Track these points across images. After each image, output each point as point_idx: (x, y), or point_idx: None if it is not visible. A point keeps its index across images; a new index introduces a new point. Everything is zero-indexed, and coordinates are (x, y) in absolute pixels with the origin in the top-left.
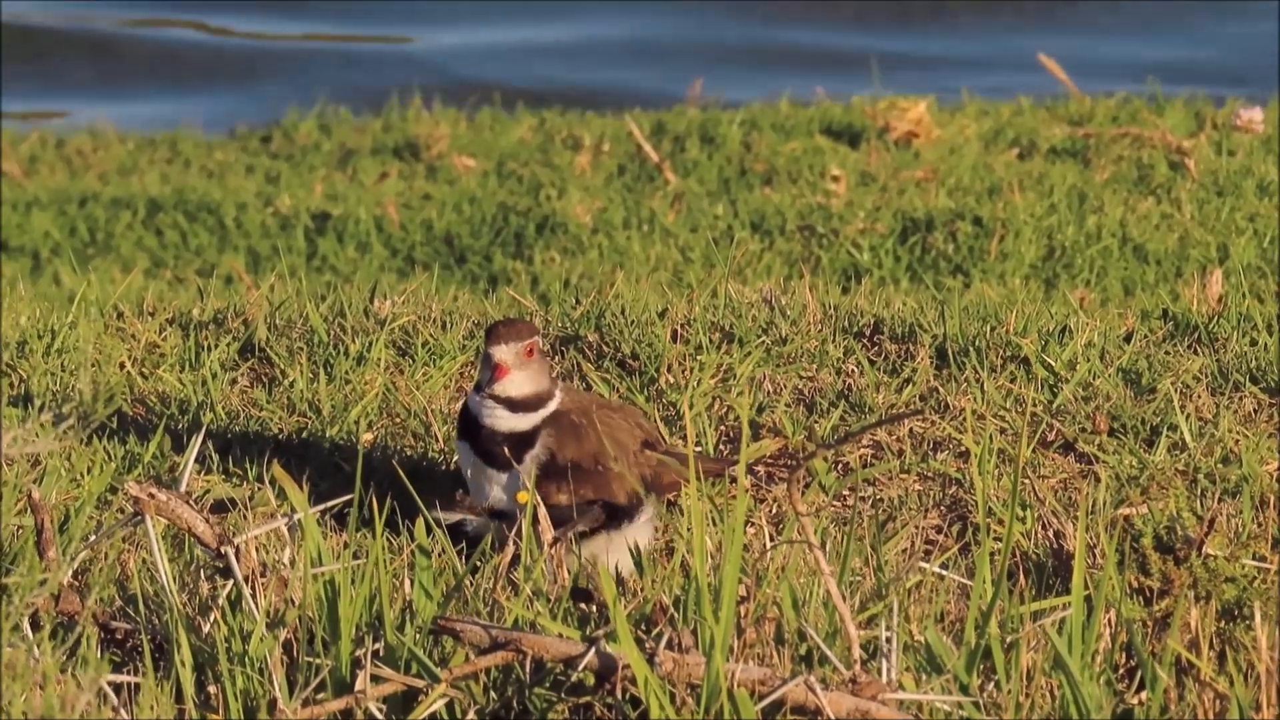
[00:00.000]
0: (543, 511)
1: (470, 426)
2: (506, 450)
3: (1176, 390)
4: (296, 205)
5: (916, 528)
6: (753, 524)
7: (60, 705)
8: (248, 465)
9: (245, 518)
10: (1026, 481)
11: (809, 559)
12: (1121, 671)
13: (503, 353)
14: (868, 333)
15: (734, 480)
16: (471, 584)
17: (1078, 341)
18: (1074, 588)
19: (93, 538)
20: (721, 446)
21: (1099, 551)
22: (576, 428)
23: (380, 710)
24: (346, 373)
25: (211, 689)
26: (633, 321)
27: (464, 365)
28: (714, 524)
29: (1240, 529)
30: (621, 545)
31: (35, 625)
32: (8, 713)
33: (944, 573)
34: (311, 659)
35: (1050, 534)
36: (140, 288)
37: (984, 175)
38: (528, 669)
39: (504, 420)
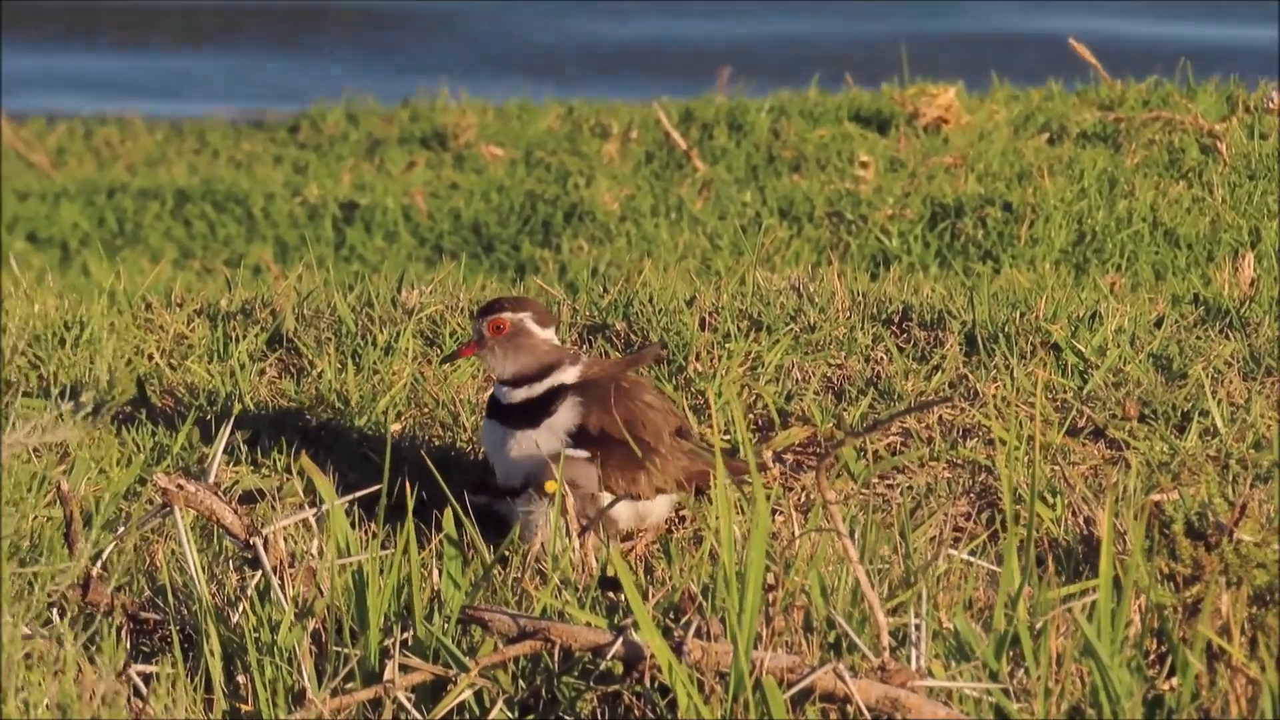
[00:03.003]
0: (570, 501)
1: (494, 406)
2: (525, 416)
3: (1208, 375)
4: (324, 195)
5: (945, 515)
6: (781, 512)
7: (80, 694)
8: (276, 456)
9: (273, 508)
10: (1056, 468)
11: (837, 547)
12: (1152, 658)
13: (473, 328)
14: (896, 319)
15: (762, 468)
16: (500, 573)
17: (1108, 327)
18: (1101, 573)
19: (121, 529)
20: (750, 434)
21: (1129, 538)
22: (606, 397)
23: (409, 699)
24: (374, 363)
25: (240, 679)
26: (661, 310)
27: None
28: (742, 512)
29: (1272, 514)
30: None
31: (64, 615)
32: (24, 701)
33: (972, 560)
34: (340, 649)
35: (1080, 520)
36: (168, 278)
37: (1013, 160)
38: (556, 658)
39: (516, 394)
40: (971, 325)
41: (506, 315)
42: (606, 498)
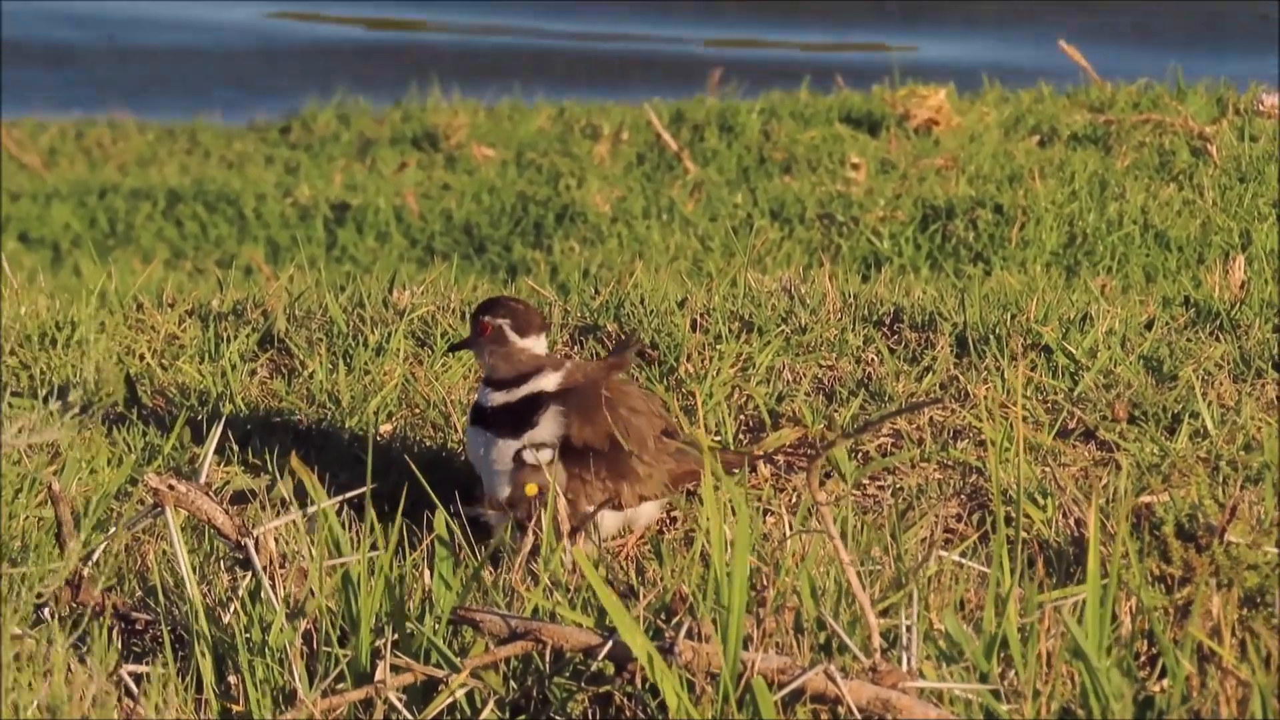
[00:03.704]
0: (562, 502)
1: (478, 411)
2: (507, 424)
3: (1198, 377)
4: (316, 196)
5: (936, 516)
6: (772, 513)
7: (69, 694)
8: (267, 456)
9: (264, 509)
10: (1047, 469)
11: (828, 548)
12: (1143, 659)
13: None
14: (888, 321)
15: (753, 469)
16: (490, 574)
17: (1099, 329)
18: (1089, 575)
19: (112, 529)
20: (741, 435)
21: (1119, 539)
22: (588, 406)
23: (400, 700)
24: (365, 363)
25: (231, 679)
26: (652, 311)
27: None
28: (732, 513)
29: (1262, 516)
30: None
31: (55, 615)
32: (14, 702)
33: (963, 561)
34: (331, 649)
35: (1071, 522)
36: (160, 279)
37: (1004, 163)
38: (547, 659)
39: (496, 397)
40: (962, 327)
41: (487, 319)
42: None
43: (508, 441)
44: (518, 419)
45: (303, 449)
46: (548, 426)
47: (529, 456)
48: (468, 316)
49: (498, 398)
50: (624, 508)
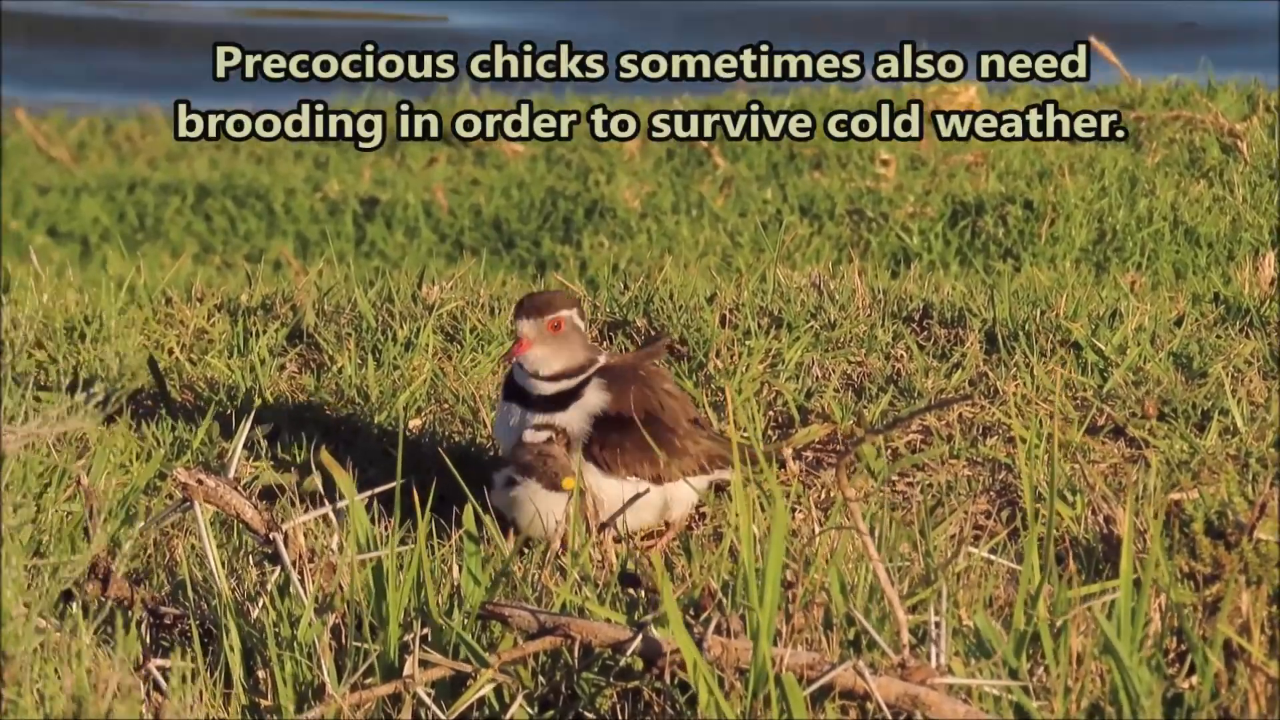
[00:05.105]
0: (590, 499)
1: (518, 392)
2: (553, 402)
3: (1228, 374)
4: (345, 190)
5: (965, 513)
6: (801, 509)
7: (94, 687)
8: (296, 451)
9: (293, 504)
10: (1076, 467)
11: (857, 544)
12: (1172, 656)
13: (525, 327)
14: (917, 317)
15: (781, 465)
16: (519, 569)
17: (1128, 326)
18: (1122, 572)
19: (141, 524)
20: (770, 431)
21: (1149, 536)
22: (626, 383)
23: (429, 695)
24: (394, 359)
25: (260, 674)
26: (681, 306)
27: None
28: (762, 510)
29: None
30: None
31: (86, 611)
32: (39, 693)
33: (993, 558)
34: (360, 644)
35: (1100, 519)
36: (189, 273)
37: (1034, 159)
38: (576, 654)
39: (550, 388)
40: (992, 323)
41: (564, 313)
42: (615, 484)
43: (549, 416)
44: (566, 397)
45: (331, 444)
46: (594, 398)
47: (529, 436)
48: (507, 315)
49: (553, 388)
50: (664, 481)
